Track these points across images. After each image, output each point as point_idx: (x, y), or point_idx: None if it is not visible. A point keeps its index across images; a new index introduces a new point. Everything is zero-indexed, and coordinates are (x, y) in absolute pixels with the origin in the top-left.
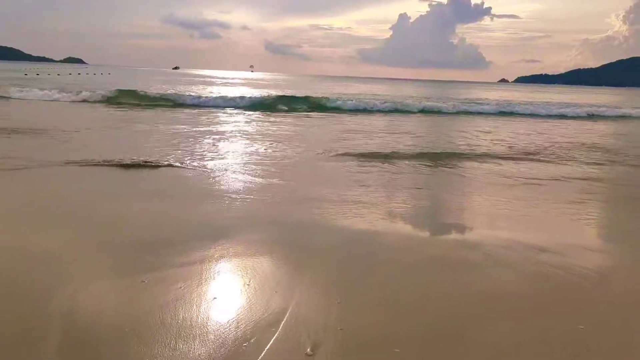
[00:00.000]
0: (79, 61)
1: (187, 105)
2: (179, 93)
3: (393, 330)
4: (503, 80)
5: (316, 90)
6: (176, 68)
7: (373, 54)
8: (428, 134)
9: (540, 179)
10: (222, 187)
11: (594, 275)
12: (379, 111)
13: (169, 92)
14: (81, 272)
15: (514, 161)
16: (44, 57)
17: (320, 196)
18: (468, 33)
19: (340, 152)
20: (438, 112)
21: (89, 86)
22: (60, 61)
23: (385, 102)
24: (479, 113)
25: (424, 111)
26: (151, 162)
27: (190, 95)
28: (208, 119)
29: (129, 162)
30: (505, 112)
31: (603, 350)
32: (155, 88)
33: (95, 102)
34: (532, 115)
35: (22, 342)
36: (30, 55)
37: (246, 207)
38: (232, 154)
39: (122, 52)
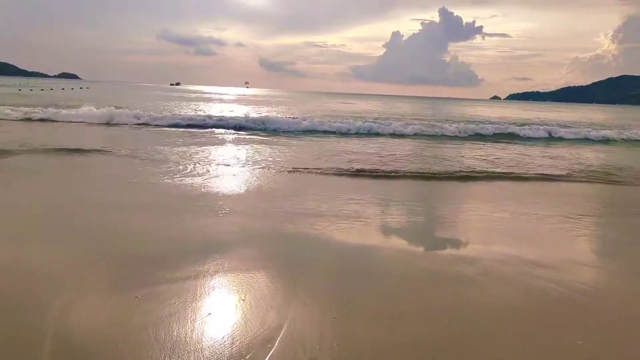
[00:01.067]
0: (74, 76)
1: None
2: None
3: (389, 344)
4: (495, 98)
5: (314, 109)
6: (177, 84)
7: (367, 71)
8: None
9: (535, 195)
10: (216, 201)
11: (590, 290)
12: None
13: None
14: (73, 287)
15: (508, 180)
16: (38, 73)
17: (315, 211)
18: (460, 51)
19: (335, 168)
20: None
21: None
22: (55, 76)
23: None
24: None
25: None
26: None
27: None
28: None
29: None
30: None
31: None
32: (155, 106)
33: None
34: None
35: (14, 356)
36: (25, 70)
37: (240, 222)
38: (226, 169)
39: (117, 67)
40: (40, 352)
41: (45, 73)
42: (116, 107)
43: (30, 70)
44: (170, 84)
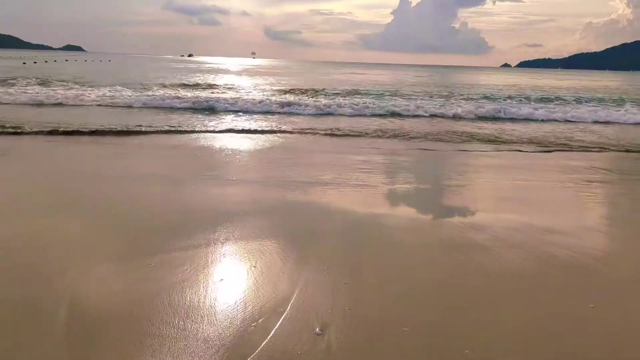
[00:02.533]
0: (79, 49)
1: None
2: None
3: (402, 310)
4: (505, 65)
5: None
6: (190, 55)
7: (374, 40)
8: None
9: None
10: (228, 171)
11: (602, 255)
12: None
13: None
14: (87, 255)
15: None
16: (43, 45)
17: (325, 180)
18: (470, 17)
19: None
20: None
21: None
22: (60, 49)
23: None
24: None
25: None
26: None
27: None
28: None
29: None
30: None
31: (614, 329)
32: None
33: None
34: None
35: (31, 322)
36: (30, 43)
37: (251, 192)
38: (239, 143)
39: (122, 39)
40: (56, 319)
41: (49, 45)
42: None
43: (34, 42)
44: (181, 56)
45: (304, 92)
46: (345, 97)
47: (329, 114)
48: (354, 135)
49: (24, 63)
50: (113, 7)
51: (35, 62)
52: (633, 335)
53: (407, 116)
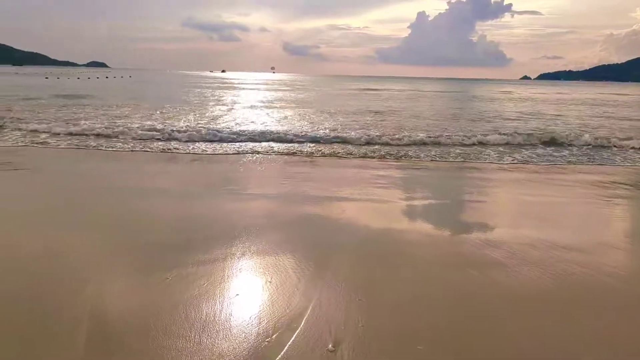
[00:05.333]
0: (103, 65)
1: None
2: None
3: (415, 327)
4: (525, 77)
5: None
6: (223, 71)
7: (391, 53)
8: None
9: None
10: (243, 185)
11: (621, 274)
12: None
13: None
14: (105, 271)
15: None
16: (68, 62)
17: (340, 195)
18: (488, 30)
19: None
20: None
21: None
22: (85, 65)
23: None
24: None
25: None
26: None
27: None
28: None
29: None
30: None
31: (631, 349)
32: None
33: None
34: None
35: (51, 338)
36: (56, 60)
37: (267, 207)
38: (253, 155)
39: (144, 55)
40: (75, 332)
41: (74, 62)
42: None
43: (60, 59)
44: (210, 71)
45: None
46: None
47: None
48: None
49: (46, 78)
50: (135, 25)
51: (58, 78)
52: None
53: None
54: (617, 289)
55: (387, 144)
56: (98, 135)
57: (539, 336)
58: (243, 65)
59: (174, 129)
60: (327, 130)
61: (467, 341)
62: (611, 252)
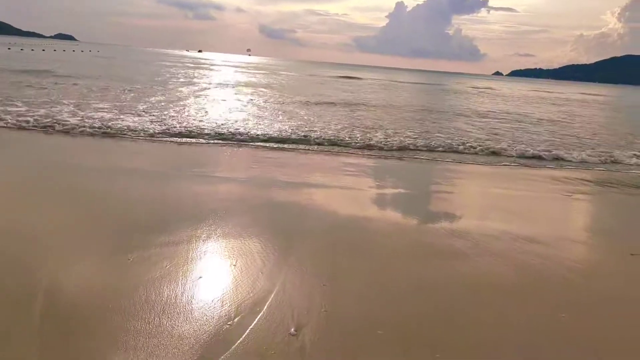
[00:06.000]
0: (70, 38)
1: None
2: None
3: (377, 313)
4: (497, 73)
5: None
6: (200, 51)
7: (369, 42)
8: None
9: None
10: (212, 168)
11: (579, 268)
12: None
13: None
14: (64, 249)
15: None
16: (34, 33)
17: (309, 182)
18: (464, 24)
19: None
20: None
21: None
22: (51, 37)
23: None
24: None
25: None
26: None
27: None
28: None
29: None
30: None
31: (583, 340)
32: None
33: None
34: None
35: (6, 312)
36: (20, 30)
37: (235, 190)
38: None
39: (115, 30)
40: (32, 310)
41: (40, 33)
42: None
43: (25, 29)
44: (187, 50)
45: None
46: None
47: None
48: None
49: (9, 49)
50: None
51: (22, 50)
52: (600, 346)
53: None
54: (575, 284)
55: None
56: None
57: (498, 326)
58: (218, 46)
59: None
60: (294, 129)
61: (428, 328)
62: (572, 246)
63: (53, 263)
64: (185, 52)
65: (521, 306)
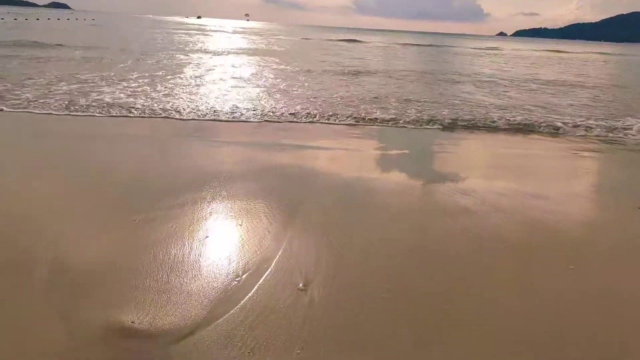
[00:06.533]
0: (64, 6)
1: None
2: None
3: (384, 269)
4: (501, 34)
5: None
6: (199, 17)
7: (369, 5)
8: None
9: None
10: (214, 132)
11: (586, 222)
12: None
13: None
14: (71, 214)
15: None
16: (27, 2)
17: (313, 144)
18: None
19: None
20: None
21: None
22: (45, 6)
23: None
24: None
25: None
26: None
27: None
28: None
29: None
30: None
31: (592, 289)
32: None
33: None
34: None
35: (14, 275)
36: None
37: (239, 153)
38: (228, 104)
39: None
40: (40, 272)
41: (34, 2)
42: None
43: None
44: (186, 17)
45: None
46: None
47: None
48: None
49: (2, 19)
50: None
51: (15, 19)
52: (608, 294)
53: None
54: (583, 237)
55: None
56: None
57: (507, 280)
58: (215, 11)
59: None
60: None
61: (437, 285)
62: (579, 201)
63: (60, 225)
64: (184, 19)
65: (529, 260)
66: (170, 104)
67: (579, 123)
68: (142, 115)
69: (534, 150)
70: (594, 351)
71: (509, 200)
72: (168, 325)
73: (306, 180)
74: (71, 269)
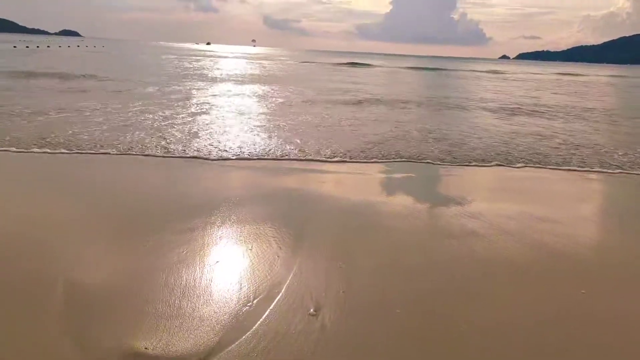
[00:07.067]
0: (75, 34)
1: None
2: None
3: (394, 293)
4: (504, 57)
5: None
6: (208, 44)
7: (372, 29)
8: None
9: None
10: (224, 157)
11: (595, 245)
12: None
13: None
14: (83, 237)
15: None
16: (39, 30)
17: (320, 167)
18: (469, 8)
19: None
20: None
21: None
22: (56, 34)
23: None
24: None
25: None
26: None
27: None
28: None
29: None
30: None
31: (604, 314)
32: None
33: None
34: None
35: (29, 299)
36: (25, 27)
37: (247, 178)
38: (232, 130)
39: (118, 25)
40: (53, 296)
41: (45, 30)
42: None
43: (30, 27)
44: (196, 43)
45: None
46: None
47: None
48: None
49: (15, 47)
50: None
51: (27, 47)
52: (621, 321)
53: None
54: (593, 261)
55: None
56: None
57: (516, 303)
58: (222, 37)
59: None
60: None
61: (446, 305)
62: (586, 224)
63: (72, 250)
64: (195, 45)
65: (538, 283)
66: (198, 143)
67: None
68: (160, 154)
69: (541, 173)
70: None
71: (516, 222)
72: (181, 351)
73: (313, 202)
74: (83, 294)
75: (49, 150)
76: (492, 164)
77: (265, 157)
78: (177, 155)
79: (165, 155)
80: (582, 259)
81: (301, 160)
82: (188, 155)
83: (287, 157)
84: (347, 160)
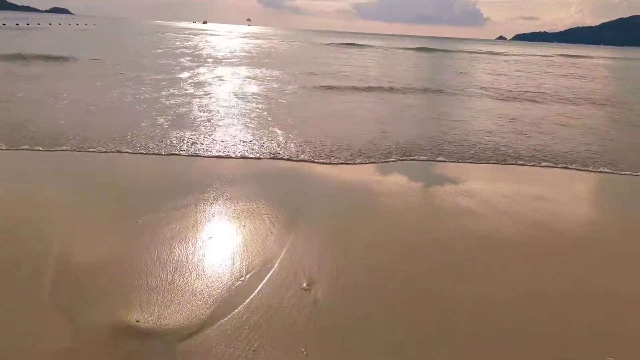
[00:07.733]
0: (65, 11)
1: None
2: None
3: (387, 269)
4: (501, 38)
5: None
6: (204, 22)
7: (369, 9)
8: None
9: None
10: (217, 136)
11: (589, 223)
12: None
13: None
14: (75, 216)
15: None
16: (28, 7)
17: (314, 147)
18: None
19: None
20: None
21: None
22: (46, 11)
23: None
24: None
25: None
26: None
27: None
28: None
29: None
30: None
31: (600, 293)
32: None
33: None
34: None
35: (23, 278)
36: (15, 4)
37: (242, 154)
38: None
39: (111, 3)
40: (45, 272)
41: (35, 7)
42: None
43: (19, 4)
44: (193, 22)
45: None
46: None
47: None
48: None
49: (4, 24)
50: None
51: (17, 24)
52: (617, 300)
53: None
54: (587, 238)
55: None
56: None
57: (510, 278)
58: (216, 16)
59: None
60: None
61: (440, 281)
62: (581, 204)
63: (65, 228)
64: (192, 24)
65: (532, 259)
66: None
67: None
68: (153, 152)
69: (532, 153)
70: (598, 352)
71: (511, 201)
72: (173, 324)
73: (308, 182)
74: (76, 271)
75: (34, 133)
76: (491, 161)
77: (262, 150)
78: (174, 143)
79: (159, 144)
80: (577, 237)
81: (297, 143)
82: (185, 145)
83: (282, 144)
84: (344, 147)
